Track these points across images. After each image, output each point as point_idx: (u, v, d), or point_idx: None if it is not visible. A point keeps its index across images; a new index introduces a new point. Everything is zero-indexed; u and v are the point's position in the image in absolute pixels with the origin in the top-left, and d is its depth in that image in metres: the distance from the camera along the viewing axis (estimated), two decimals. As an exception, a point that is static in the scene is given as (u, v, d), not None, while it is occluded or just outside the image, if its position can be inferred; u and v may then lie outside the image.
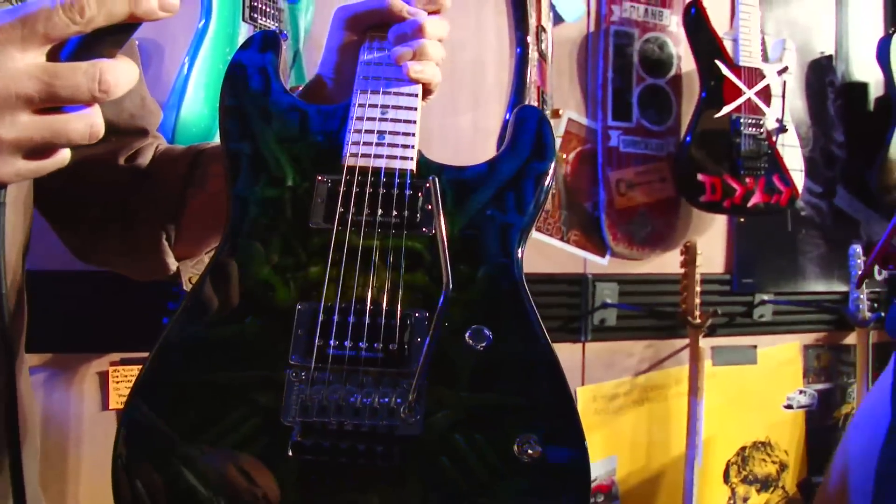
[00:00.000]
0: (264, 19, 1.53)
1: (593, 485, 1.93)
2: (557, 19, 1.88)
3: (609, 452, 1.97)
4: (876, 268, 1.85)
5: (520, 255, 0.70)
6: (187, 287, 0.90)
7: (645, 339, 2.03)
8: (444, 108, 1.75)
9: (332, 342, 0.63)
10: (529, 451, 0.61)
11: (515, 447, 0.61)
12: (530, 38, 1.48)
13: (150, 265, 0.88)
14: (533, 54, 1.48)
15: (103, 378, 1.47)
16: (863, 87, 2.32)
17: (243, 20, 1.50)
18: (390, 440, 0.61)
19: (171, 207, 0.86)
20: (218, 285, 0.67)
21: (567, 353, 1.92)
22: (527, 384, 0.65)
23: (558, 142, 1.85)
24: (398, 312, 0.65)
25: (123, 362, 1.48)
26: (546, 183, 0.74)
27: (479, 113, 1.80)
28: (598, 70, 1.94)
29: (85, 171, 0.84)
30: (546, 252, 1.88)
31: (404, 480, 0.60)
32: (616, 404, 1.99)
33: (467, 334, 0.65)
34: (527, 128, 0.76)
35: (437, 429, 0.61)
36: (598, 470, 1.95)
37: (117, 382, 1.48)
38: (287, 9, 1.61)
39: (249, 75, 0.75)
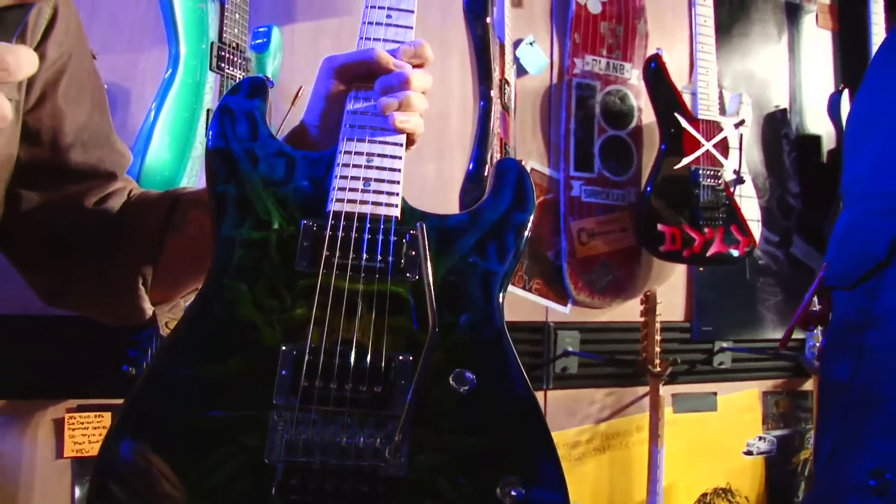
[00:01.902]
0: (231, 69, 1.54)
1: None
2: (521, 71, 1.92)
3: (571, 500, 1.96)
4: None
5: (501, 301, 0.72)
6: (164, 332, 0.90)
7: (606, 387, 2.04)
8: (409, 156, 1.76)
9: (317, 383, 0.64)
10: (512, 493, 0.61)
11: (498, 490, 0.62)
12: (493, 92, 1.51)
13: (125, 310, 0.88)
14: (496, 107, 1.51)
15: (59, 425, 1.45)
16: (816, 140, 2.40)
17: (210, 69, 1.51)
18: (374, 481, 0.61)
19: (149, 251, 0.86)
20: (202, 324, 0.68)
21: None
22: (509, 427, 0.66)
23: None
24: (383, 355, 0.66)
25: (80, 409, 1.46)
26: (526, 233, 0.76)
27: (444, 163, 1.82)
28: (561, 121, 1.98)
29: (51, 213, 0.84)
30: (508, 300, 1.87)
31: None
32: (578, 452, 1.99)
33: (451, 377, 0.66)
34: (508, 179, 0.78)
35: (421, 470, 0.62)
36: (560, 518, 1.94)
37: (73, 430, 1.45)
38: (254, 58, 1.63)
39: (237, 119, 0.77)
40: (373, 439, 0.62)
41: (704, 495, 2.18)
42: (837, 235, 0.71)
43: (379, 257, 0.70)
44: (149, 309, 0.88)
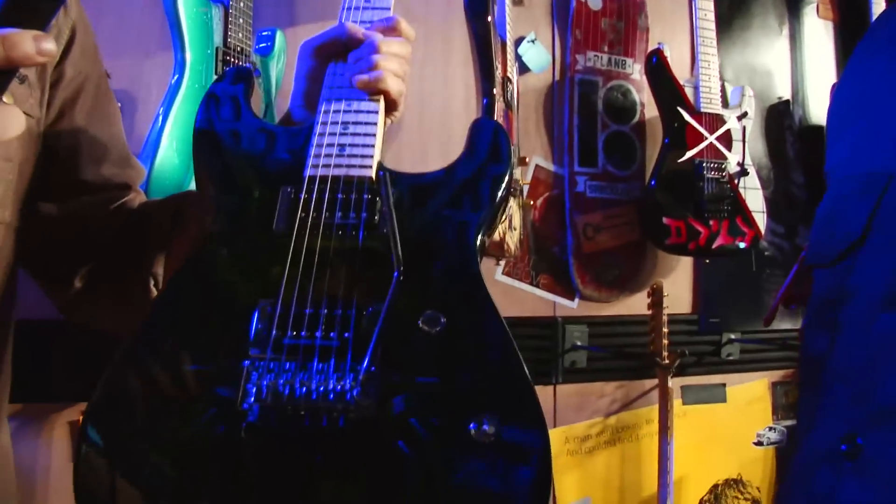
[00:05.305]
0: (237, 73, 1.56)
1: (567, 527, 1.94)
2: (523, 69, 1.93)
3: (583, 494, 1.98)
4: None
5: (476, 248, 0.73)
6: None
7: (615, 381, 2.05)
8: (413, 157, 1.79)
9: (289, 332, 0.65)
10: (486, 431, 0.60)
11: (472, 429, 0.61)
12: (496, 90, 1.53)
13: (140, 315, 0.90)
14: (499, 104, 1.53)
15: (74, 428, 1.46)
16: (819, 131, 2.40)
17: (216, 74, 1.53)
18: (345, 423, 0.61)
19: (159, 252, 0.90)
20: (185, 287, 0.70)
21: (538, 396, 1.93)
22: (482, 366, 0.66)
23: (526, 188, 1.89)
24: (353, 303, 0.67)
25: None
26: (503, 184, 0.77)
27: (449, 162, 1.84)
28: (564, 117, 1.99)
29: (68, 222, 0.87)
30: (516, 296, 1.91)
31: (359, 464, 0.60)
32: (588, 445, 2.00)
33: (421, 320, 0.66)
34: (482, 136, 0.81)
35: (392, 412, 0.62)
36: (572, 512, 1.96)
37: (88, 433, 1.47)
38: (259, 61, 1.65)
39: (222, 103, 0.81)
40: (343, 384, 0.62)
41: (716, 486, 2.18)
42: (819, 217, 0.74)
43: (352, 215, 0.73)
44: None
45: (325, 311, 0.67)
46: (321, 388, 0.62)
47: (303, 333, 0.65)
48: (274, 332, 0.65)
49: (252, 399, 0.62)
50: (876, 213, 0.60)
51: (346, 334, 0.65)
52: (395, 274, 0.66)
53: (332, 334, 0.65)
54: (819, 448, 0.58)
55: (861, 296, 0.59)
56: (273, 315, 0.66)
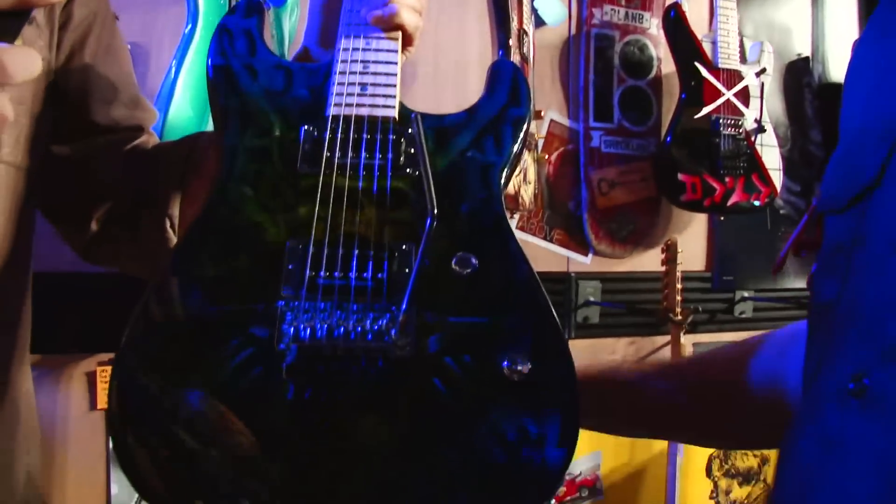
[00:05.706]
0: (250, 22, 1.55)
1: (578, 480, 1.96)
2: (539, 22, 1.91)
3: (594, 448, 2.00)
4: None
5: (500, 190, 0.73)
6: None
7: (627, 336, 2.06)
8: (427, 109, 1.77)
9: (322, 273, 0.64)
10: (518, 368, 0.61)
11: (504, 367, 0.61)
12: (512, 41, 1.51)
13: (156, 256, 0.90)
14: (515, 56, 1.51)
15: (91, 378, 1.48)
16: (839, 88, 2.34)
17: (229, 24, 1.51)
18: (383, 362, 0.62)
19: (174, 191, 0.89)
20: (209, 228, 0.69)
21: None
22: (512, 306, 0.66)
23: (541, 143, 1.88)
24: (386, 244, 0.67)
25: (112, 362, 1.48)
26: (524, 126, 0.77)
27: (463, 113, 1.82)
28: (580, 72, 1.97)
29: (81, 163, 0.87)
30: (529, 251, 1.87)
31: (397, 402, 0.61)
32: (600, 401, 2.01)
33: (453, 261, 0.66)
34: (502, 78, 0.80)
35: (427, 352, 0.62)
36: (583, 465, 1.97)
37: (105, 382, 1.48)
38: (272, 12, 1.63)
39: (235, 37, 0.79)
40: (380, 323, 0.62)
41: (726, 443, 2.19)
42: (832, 165, 0.72)
43: (378, 155, 0.72)
44: None
45: (357, 251, 0.66)
46: (359, 328, 0.62)
47: (336, 273, 0.65)
48: (308, 272, 0.65)
49: (289, 339, 0.61)
50: (891, 158, 0.59)
51: (380, 275, 0.65)
52: (429, 217, 0.65)
53: (365, 275, 0.65)
54: (826, 389, 0.58)
55: (874, 238, 0.58)
56: (305, 255, 0.65)
